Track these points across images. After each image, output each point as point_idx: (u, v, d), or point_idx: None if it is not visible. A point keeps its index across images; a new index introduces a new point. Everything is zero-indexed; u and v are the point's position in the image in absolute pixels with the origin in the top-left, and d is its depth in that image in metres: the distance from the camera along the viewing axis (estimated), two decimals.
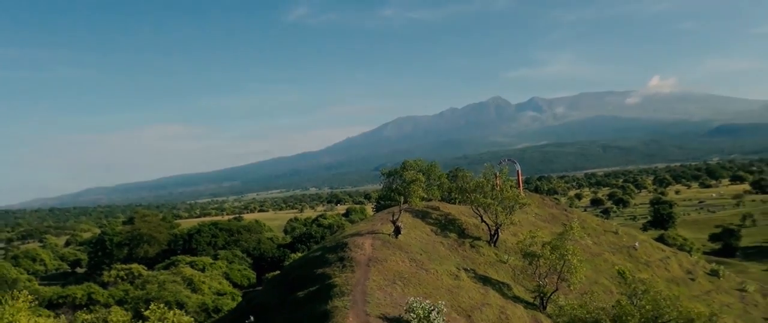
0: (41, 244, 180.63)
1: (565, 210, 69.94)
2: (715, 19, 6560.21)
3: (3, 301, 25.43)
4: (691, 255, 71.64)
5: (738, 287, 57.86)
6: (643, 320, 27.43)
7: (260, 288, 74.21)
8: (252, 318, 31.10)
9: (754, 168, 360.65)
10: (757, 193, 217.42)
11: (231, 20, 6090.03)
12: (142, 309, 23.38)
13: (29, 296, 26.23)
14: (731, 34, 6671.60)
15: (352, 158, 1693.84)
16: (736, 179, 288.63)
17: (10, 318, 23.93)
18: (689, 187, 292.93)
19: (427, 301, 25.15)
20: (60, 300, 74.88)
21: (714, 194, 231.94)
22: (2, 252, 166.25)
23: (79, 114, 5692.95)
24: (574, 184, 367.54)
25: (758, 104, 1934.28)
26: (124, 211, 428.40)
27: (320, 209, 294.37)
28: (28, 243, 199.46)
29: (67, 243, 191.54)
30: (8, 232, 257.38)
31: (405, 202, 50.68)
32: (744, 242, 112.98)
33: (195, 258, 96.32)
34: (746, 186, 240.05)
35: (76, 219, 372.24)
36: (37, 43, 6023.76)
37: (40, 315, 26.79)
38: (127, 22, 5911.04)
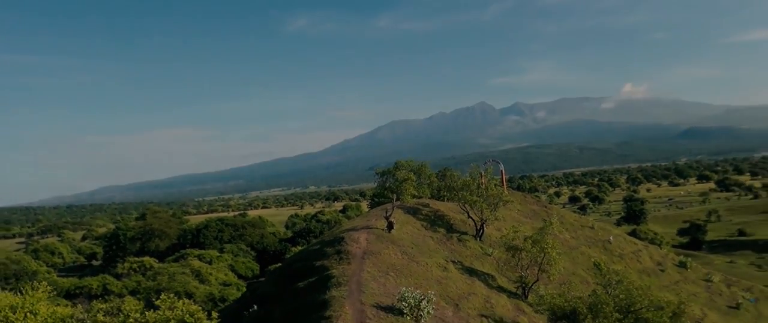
0: (59, 238, 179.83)
1: (545, 207, 70.01)
2: (683, 30, 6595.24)
3: (24, 291, 25.29)
4: (661, 248, 71.82)
5: (704, 277, 58.06)
6: (617, 308, 27.51)
7: (263, 279, 74.09)
8: (255, 306, 31.05)
9: (719, 168, 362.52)
10: (721, 191, 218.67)
11: (237, 31, 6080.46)
12: (154, 299, 23.23)
13: (48, 287, 26.09)
14: (698, 45, 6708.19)
15: (349, 158, 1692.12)
16: (702, 178, 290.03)
17: (31, 307, 23.81)
18: (659, 185, 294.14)
19: (417, 291, 25.15)
20: (77, 291, 74.61)
21: (682, 192, 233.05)
22: (23, 245, 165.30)
23: (95, 117, 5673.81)
24: (554, 183, 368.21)
25: (722, 108, 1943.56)
26: (136, 208, 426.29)
27: (319, 206, 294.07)
28: (48, 237, 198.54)
29: (84, 238, 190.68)
30: (29, 227, 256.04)
31: (397, 199, 50.68)
32: (709, 236, 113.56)
33: (203, 252, 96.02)
34: (711, 185, 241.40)
35: (91, 215, 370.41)
36: (56, 51, 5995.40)
37: (58, 305, 26.62)
38: (141, 32, 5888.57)
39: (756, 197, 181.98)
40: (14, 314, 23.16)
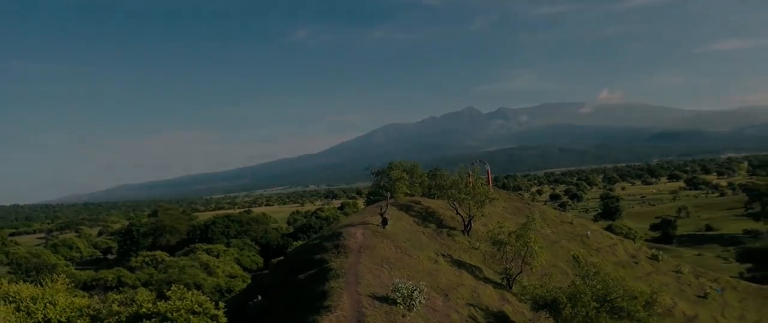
0: (77, 234, 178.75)
1: (528, 204, 70.12)
2: (655, 41, 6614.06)
3: (44, 283, 25.20)
4: (634, 242, 71.99)
5: (674, 269, 58.25)
6: (594, 297, 27.57)
7: (267, 271, 73.95)
8: (259, 297, 30.96)
9: (688, 168, 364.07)
10: (690, 189, 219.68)
11: (243, 42, 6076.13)
12: (165, 290, 23.15)
13: (66, 279, 26.01)
14: (668, 54, 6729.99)
15: (346, 159, 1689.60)
16: (673, 177, 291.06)
17: (50, 298, 23.71)
18: (633, 184, 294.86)
19: (410, 282, 25.15)
20: (93, 283, 74.29)
21: (654, 191, 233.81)
22: (43, 241, 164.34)
23: (112, 121, 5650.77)
24: (536, 182, 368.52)
25: (691, 113, 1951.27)
26: (149, 205, 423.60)
27: (318, 203, 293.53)
28: (66, 233, 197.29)
29: (100, 233, 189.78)
30: (48, 224, 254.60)
31: (391, 197, 50.72)
32: (679, 231, 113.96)
33: (210, 246, 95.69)
34: (681, 184, 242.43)
35: (107, 213, 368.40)
36: (76, 60, 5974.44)
37: (76, 296, 26.49)
38: (155, 44, 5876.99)
39: (722, 195, 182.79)
40: (35, 304, 23.06)
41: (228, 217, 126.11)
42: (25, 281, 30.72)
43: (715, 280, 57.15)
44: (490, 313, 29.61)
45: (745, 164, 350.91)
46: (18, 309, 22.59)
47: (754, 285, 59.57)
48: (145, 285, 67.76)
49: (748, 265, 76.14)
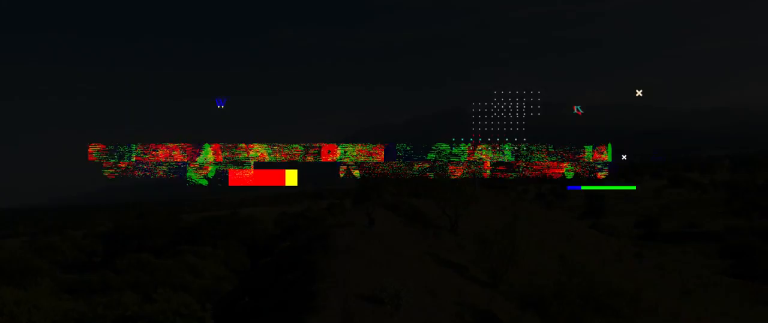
0: (62, 237, 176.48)
1: (514, 203, 70.43)
2: (637, 43, 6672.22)
3: (28, 287, 24.91)
4: (619, 240, 72.58)
5: (658, 266, 58.79)
6: (579, 295, 27.76)
7: (254, 272, 73.55)
8: (247, 298, 30.83)
9: (671, 166, 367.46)
10: (674, 187, 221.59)
11: (229, 41, 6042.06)
12: (151, 293, 23.04)
13: (51, 282, 25.74)
14: (650, 55, 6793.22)
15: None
16: (655, 175, 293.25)
17: (34, 302, 23.45)
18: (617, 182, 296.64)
19: (397, 281, 25.18)
20: (78, 286, 73.40)
21: (638, 188, 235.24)
22: (27, 244, 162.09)
23: (96, 120, 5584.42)
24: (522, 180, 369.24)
25: (672, 112, 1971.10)
26: (135, 207, 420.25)
27: (306, 204, 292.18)
28: (50, 236, 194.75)
29: (85, 236, 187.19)
30: (33, 226, 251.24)
31: (378, 197, 50.70)
32: (663, 228, 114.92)
33: (197, 248, 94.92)
34: (664, 181, 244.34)
35: (92, 215, 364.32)
36: (61, 60, 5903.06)
37: (60, 299, 26.25)
38: (141, 43, 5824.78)
39: (704, 192, 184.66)
40: (19, 308, 22.78)
41: (215, 218, 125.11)
42: (8, 285, 30.31)
43: (698, 276, 57.77)
44: (477, 311, 29.70)
45: (727, 162, 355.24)
46: (1, 314, 22.30)
47: (737, 280, 60.34)
48: (132, 287, 67.04)
49: (730, 261, 77.04)
